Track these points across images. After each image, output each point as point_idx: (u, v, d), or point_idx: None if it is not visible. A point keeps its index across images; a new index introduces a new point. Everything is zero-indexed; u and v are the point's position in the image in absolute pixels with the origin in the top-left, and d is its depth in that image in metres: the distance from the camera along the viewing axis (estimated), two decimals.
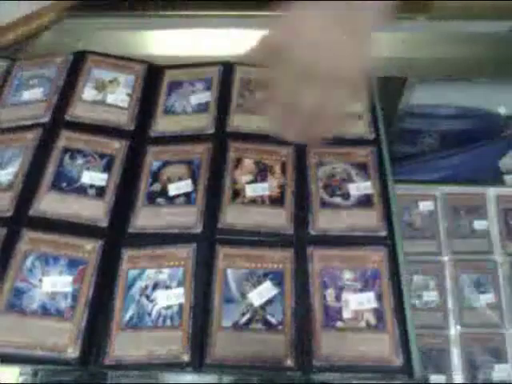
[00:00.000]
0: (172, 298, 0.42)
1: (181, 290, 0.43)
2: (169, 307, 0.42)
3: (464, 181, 0.61)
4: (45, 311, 0.42)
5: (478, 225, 0.61)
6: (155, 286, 0.43)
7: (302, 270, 0.44)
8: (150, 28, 0.64)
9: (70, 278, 0.43)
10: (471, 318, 0.59)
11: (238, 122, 0.53)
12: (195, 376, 0.44)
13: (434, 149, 0.62)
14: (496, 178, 0.60)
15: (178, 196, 0.48)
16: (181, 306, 0.42)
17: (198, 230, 0.46)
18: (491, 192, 0.61)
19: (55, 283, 0.43)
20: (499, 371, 0.49)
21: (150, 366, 0.40)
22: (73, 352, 0.40)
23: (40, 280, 0.43)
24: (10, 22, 0.62)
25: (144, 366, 0.40)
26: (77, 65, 0.56)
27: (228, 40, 0.62)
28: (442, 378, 0.48)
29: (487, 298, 0.60)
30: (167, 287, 0.43)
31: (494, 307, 0.59)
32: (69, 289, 0.43)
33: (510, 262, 0.60)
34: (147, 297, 0.43)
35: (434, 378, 0.48)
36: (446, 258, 0.61)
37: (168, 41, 0.64)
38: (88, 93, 0.54)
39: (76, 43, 0.62)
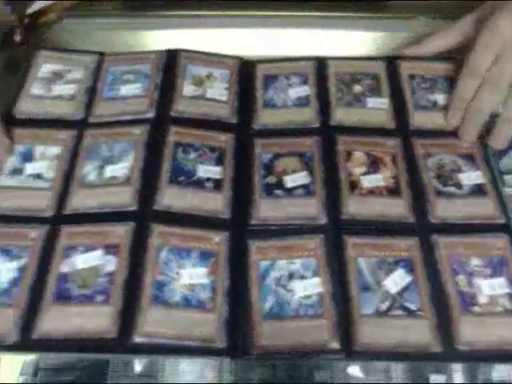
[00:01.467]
0: (309, 287, 0.43)
1: (317, 280, 0.43)
2: (308, 297, 0.42)
3: None
4: (187, 303, 0.42)
5: None
6: (290, 277, 0.43)
7: (430, 258, 0.45)
8: (150, 28, 0.65)
9: (204, 270, 0.43)
10: None
11: (340, 115, 0.53)
12: (195, 376, 0.45)
13: None
14: None
15: (295, 188, 0.48)
16: (320, 295, 0.42)
17: (323, 221, 0.46)
18: None
19: (192, 275, 0.43)
20: (499, 371, 0.49)
21: (298, 354, 0.40)
22: (220, 343, 0.40)
23: (177, 273, 0.43)
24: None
25: (291, 356, 0.41)
26: (171, 61, 0.56)
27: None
28: (442, 377, 0.49)
29: None
30: (302, 277, 0.43)
31: None
32: (205, 281, 0.43)
33: None
34: (284, 287, 0.43)
35: (433, 377, 0.48)
36: None
37: (168, 41, 0.64)
38: (187, 88, 0.54)
39: (76, 43, 0.63)
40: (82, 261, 0.43)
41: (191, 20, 0.65)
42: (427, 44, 0.57)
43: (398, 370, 0.46)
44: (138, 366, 0.48)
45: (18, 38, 0.64)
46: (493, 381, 0.46)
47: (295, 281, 0.43)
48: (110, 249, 0.44)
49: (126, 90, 0.54)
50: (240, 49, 0.60)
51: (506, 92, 0.49)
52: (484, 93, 0.50)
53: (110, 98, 0.54)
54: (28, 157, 0.50)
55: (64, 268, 0.43)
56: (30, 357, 0.47)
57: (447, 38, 0.57)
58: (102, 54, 0.58)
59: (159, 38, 0.64)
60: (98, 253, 0.44)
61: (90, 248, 0.44)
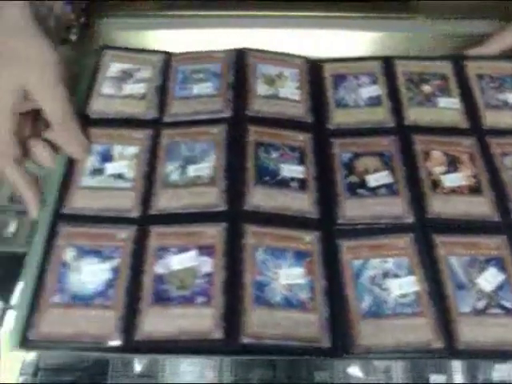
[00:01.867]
0: (405, 286, 0.43)
1: (412, 279, 0.43)
2: (404, 295, 0.43)
3: None
4: (287, 303, 0.42)
5: None
6: (384, 275, 0.44)
7: None
8: (152, 28, 0.65)
9: (301, 270, 0.43)
10: None
11: (414, 115, 0.54)
12: (195, 376, 0.45)
13: None
14: None
15: (378, 187, 0.49)
16: (417, 293, 0.43)
17: (410, 220, 0.47)
18: None
19: (289, 276, 0.43)
20: (499, 371, 0.50)
21: (399, 353, 0.41)
22: (325, 343, 0.40)
23: (275, 273, 0.43)
24: None
25: (392, 354, 0.41)
26: (241, 60, 0.56)
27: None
28: (442, 377, 0.50)
29: None
30: (396, 276, 0.44)
31: None
32: (303, 281, 0.43)
33: None
34: (379, 285, 0.43)
35: (433, 377, 0.49)
36: None
37: (169, 41, 0.64)
38: (260, 88, 0.54)
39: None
40: (177, 262, 0.43)
41: (191, 20, 0.65)
42: (490, 45, 0.58)
43: (398, 369, 0.46)
44: (138, 365, 0.48)
45: (74, 37, 0.64)
46: (493, 381, 0.47)
47: (390, 279, 0.43)
48: (204, 249, 0.44)
49: (198, 88, 0.54)
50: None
51: None
52: None
53: (183, 97, 0.54)
54: (107, 157, 0.50)
55: (159, 269, 0.43)
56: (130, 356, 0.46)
57: (508, 38, 0.57)
58: (167, 53, 0.58)
59: (162, 38, 0.64)
60: (192, 253, 0.44)
61: (183, 249, 0.44)
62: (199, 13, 0.66)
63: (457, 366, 0.49)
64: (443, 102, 0.55)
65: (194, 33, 0.65)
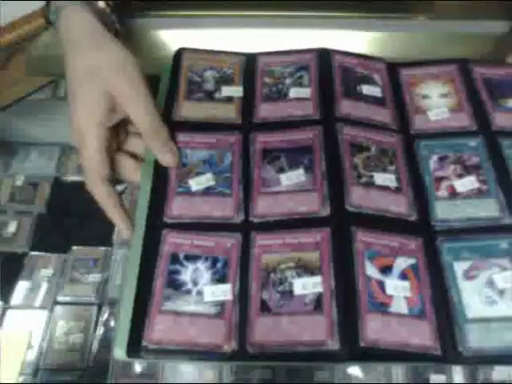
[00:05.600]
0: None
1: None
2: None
3: None
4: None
5: None
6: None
7: None
8: (151, 28, 0.65)
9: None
10: None
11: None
12: (195, 375, 0.45)
13: None
14: None
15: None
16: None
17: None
18: None
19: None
20: (499, 371, 0.51)
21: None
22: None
23: None
24: (10, 22, 0.62)
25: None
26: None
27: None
28: (442, 377, 0.50)
29: None
30: None
31: None
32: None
33: None
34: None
35: (433, 377, 0.50)
36: None
37: (169, 41, 0.64)
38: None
39: None
40: None
41: (190, 20, 0.65)
42: None
43: (398, 370, 0.46)
44: (138, 365, 0.48)
45: None
46: (493, 381, 0.47)
47: None
48: None
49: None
50: (241, 49, 0.60)
51: None
52: None
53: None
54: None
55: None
56: None
57: None
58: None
59: (162, 38, 0.65)
60: None
61: None
62: (200, 13, 0.66)
63: (457, 366, 0.50)
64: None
65: (197, 33, 0.65)
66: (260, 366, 0.46)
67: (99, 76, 0.46)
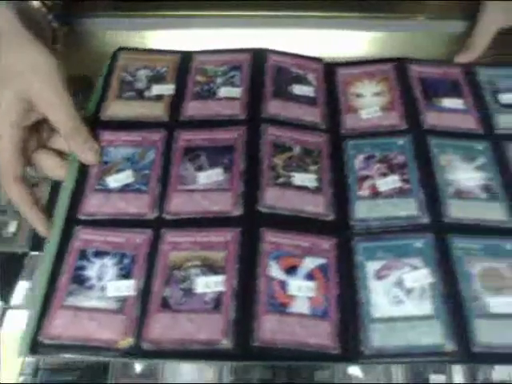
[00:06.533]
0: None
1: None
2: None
3: None
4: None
5: None
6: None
7: None
8: (150, 28, 0.65)
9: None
10: None
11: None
12: (195, 375, 0.45)
13: None
14: None
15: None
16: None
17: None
18: None
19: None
20: (499, 371, 0.50)
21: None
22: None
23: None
24: None
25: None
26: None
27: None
28: (442, 377, 0.49)
29: None
30: None
31: None
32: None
33: None
34: None
35: (433, 377, 0.49)
36: None
37: (168, 41, 0.64)
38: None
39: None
40: None
41: (189, 20, 0.66)
42: (476, 48, 0.59)
43: (397, 370, 0.46)
44: (138, 365, 0.48)
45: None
46: (493, 381, 0.46)
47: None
48: None
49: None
50: None
51: None
52: None
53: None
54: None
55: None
56: None
57: (485, 36, 0.58)
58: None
59: (161, 38, 0.65)
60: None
61: None
62: (196, 12, 0.66)
63: (457, 366, 0.49)
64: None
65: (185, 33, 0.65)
66: (260, 366, 0.46)
67: (15, 77, 0.46)
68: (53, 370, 0.50)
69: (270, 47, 0.58)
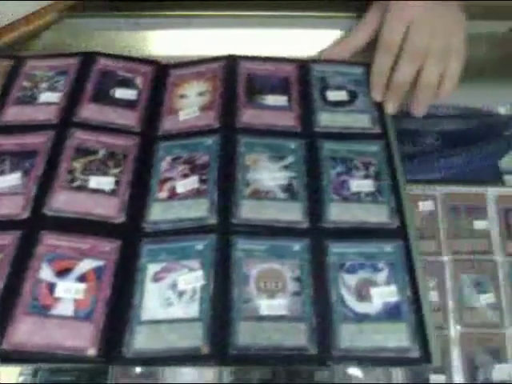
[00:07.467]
0: None
1: None
2: None
3: (464, 181, 0.61)
4: None
5: (478, 225, 0.61)
6: None
7: None
8: (150, 28, 0.65)
9: None
10: (471, 317, 0.59)
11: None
12: (195, 376, 0.44)
13: (434, 149, 0.63)
14: (496, 178, 0.60)
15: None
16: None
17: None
18: (491, 192, 0.61)
19: None
20: (499, 371, 0.48)
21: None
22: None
23: None
24: (11, 21, 0.62)
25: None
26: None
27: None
28: (441, 377, 0.48)
29: (487, 297, 0.60)
30: None
31: (494, 307, 0.59)
32: None
33: (509, 262, 0.60)
34: None
35: (433, 377, 0.47)
36: (445, 259, 0.61)
37: (168, 41, 0.64)
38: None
39: (76, 43, 0.63)
40: None
41: (188, 20, 0.65)
42: (344, 45, 0.58)
43: (397, 370, 0.45)
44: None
45: None
46: (493, 381, 0.46)
47: None
48: None
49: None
50: (238, 49, 0.60)
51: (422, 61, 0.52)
52: (402, 64, 0.52)
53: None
54: None
55: None
56: None
57: (359, 35, 0.57)
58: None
59: (159, 38, 0.65)
60: None
61: None
62: (196, 12, 0.66)
63: (457, 366, 0.49)
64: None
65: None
66: (260, 367, 0.46)
67: None
68: (53, 370, 0.51)
69: (265, 47, 0.59)
